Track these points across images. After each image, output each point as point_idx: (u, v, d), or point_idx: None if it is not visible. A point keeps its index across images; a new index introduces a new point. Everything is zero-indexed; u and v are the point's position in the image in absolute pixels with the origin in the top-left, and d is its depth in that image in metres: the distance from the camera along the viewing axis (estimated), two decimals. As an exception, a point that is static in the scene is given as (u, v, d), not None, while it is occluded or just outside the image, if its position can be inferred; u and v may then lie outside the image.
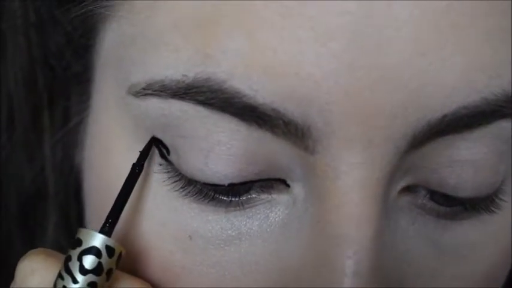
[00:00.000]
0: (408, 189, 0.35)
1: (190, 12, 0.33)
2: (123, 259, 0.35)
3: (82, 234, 0.34)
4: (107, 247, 0.34)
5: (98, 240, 0.34)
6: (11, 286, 0.36)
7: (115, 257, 0.34)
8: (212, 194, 0.35)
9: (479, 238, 0.37)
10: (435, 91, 0.32)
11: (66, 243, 0.47)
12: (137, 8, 0.35)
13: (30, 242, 0.47)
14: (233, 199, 0.35)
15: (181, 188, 0.36)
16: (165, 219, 0.36)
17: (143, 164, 0.36)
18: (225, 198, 0.35)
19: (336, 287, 0.33)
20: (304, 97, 0.32)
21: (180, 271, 0.36)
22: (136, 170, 0.35)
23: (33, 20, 0.43)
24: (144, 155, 0.36)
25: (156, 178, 0.36)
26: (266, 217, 0.35)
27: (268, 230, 0.35)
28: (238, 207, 0.35)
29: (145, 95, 0.34)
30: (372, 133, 0.32)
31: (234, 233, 0.35)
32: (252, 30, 0.31)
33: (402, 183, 0.35)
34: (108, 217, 0.35)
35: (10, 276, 0.40)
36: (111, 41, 0.37)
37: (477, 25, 0.32)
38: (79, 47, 0.40)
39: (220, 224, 0.35)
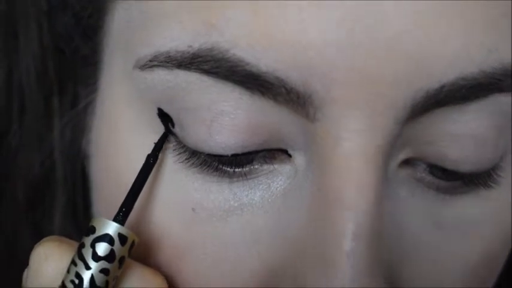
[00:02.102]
0: (407, 162, 0.36)
1: None
2: (135, 249, 0.35)
3: (96, 222, 0.35)
4: (120, 235, 0.34)
5: (111, 228, 0.34)
6: (24, 272, 0.37)
7: (127, 245, 0.35)
8: (216, 164, 0.36)
9: (478, 214, 0.38)
10: (434, 62, 0.32)
11: (73, 229, 0.47)
12: None
13: (38, 229, 0.48)
14: (236, 170, 0.36)
15: (186, 159, 0.36)
16: (169, 192, 0.37)
17: (158, 155, 0.36)
18: (228, 169, 0.36)
19: (336, 250, 0.34)
20: (307, 65, 0.32)
21: (185, 245, 0.37)
22: (151, 161, 0.36)
23: (44, 5, 0.43)
24: (158, 145, 0.36)
25: (162, 150, 0.37)
26: (268, 187, 0.36)
27: (270, 200, 0.36)
28: (241, 178, 0.36)
29: (152, 66, 0.35)
30: (371, 100, 0.33)
31: (236, 204, 0.36)
32: (255, 0, 0.32)
33: (402, 156, 0.35)
34: (121, 206, 0.35)
35: (18, 263, 0.41)
36: (120, 20, 0.38)
37: None
38: (88, 28, 0.41)
39: (223, 194, 0.36)
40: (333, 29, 0.32)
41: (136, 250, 0.36)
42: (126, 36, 0.37)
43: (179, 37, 0.34)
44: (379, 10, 0.32)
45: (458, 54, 0.32)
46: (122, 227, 0.34)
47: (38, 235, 0.47)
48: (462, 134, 0.35)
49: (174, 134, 0.36)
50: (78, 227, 0.47)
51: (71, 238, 0.46)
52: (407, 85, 0.33)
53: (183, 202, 0.37)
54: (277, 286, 0.36)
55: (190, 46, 0.34)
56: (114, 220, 0.35)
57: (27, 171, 0.48)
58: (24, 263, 0.37)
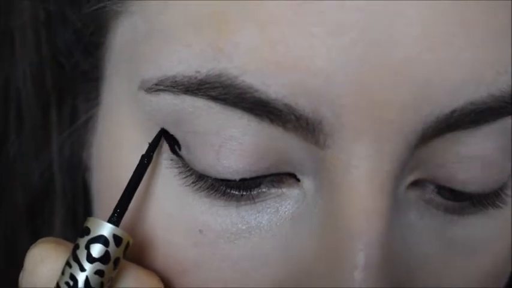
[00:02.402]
0: (416, 184, 0.36)
1: (202, 7, 0.33)
2: (130, 250, 0.35)
3: (90, 223, 0.34)
4: (115, 236, 0.34)
5: (106, 229, 0.34)
6: (20, 274, 0.36)
7: (122, 247, 0.34)
8: (223, 188, 0.35)
9: (486, 233, 0.37)
10: (443, 86, 0.32)
11: (74, 238, 0.47)
12: (150, 4, 0.35)
13: (38, 238, 0.47)
14: (244, 193, 0.35)
15: (193, 183, 0.36)
16: (176, 213, 0.36)
17: (152, 155, 0.36)
18: (236, 192, 0.35)
19: (346, 280, 0.33)
20: (316, 91, 0.32)
21: (190, 265, 0.36)
22: (145, 161, 0.36)
23: (43, 17, 0.43)
24: (153, 146, 0.36)
25: (167, 173, 0.36)
26: (276, 211, 0.36)
27: (278, 224, 0.36)
28: (248, 202, 0.35)
29: (157, 90, 0.35)
30: (381, 126, 0.32)
31: (244, 227, 0.36)
32: (263, 25, 0.32)
33: (410, 178, 0.35)
34: (116, 207, 0.35)
35: (17, 272, 0.40)
36: (123, 37, 0.37)
37: (485, 22, 0.32)
38: (89, 45, 0.40)
39: (230, 218, 0.36)
40: (342, 55, 0.32)
41: (136, 258, 0.36)
42: (130, 54, 0.37)
43: (186, 61, 0.33)
44: (388, 35, 0.31)
45: (467, 77, 0.32)
46: (116, 228, 0.34)
47: None
48: (471, 156, 0.35)
49: (180, 157, 0.36)
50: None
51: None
52: (416, 110, 0.32)
53: (190, 223, 0.36)
54: None
55: (198, 72, 0.33)
56: (109, 221, 0.35)
57: (26, 180, 0.48)
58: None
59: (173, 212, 0.36)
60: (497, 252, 0.38)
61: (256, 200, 0.36)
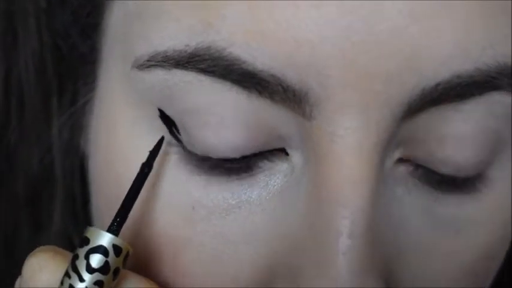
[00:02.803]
0: (403, 160, 0.36)
1: None
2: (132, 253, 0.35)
3: (90, 232, 0.34)
4: (114, 246, 0.34)
5: (105, 239, 0.34)
6: (17, 282, 0.36)
7: (122, 256, 0.34)
8: (214, 164, 0.36)
9: (473, 213, 0.37)
10: (429, 59, 0.32)
11: (73, 228, 0.47)
12: None
13: (37, 227, 0.48)
14: (234, 168, 0.36)
15: (184, 159, 0.36)
16: (169, 191, 0.37)
17: (152, 164, 0.36)
18: (227, 166, 0.36)
19: (332, 248, 0.34)
20: (302, 62, 0.32)
21: (183, 242, 0.37)
22: (146, 170, 0.35)
23: (43, 2, 0.43)
24: (153, 154, 0.36)
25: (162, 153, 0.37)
26: (265, 185, 0.36)
27: (268, 197, 0.36)
28: (239, 176, 0.36)
29: (149, 66, 0.35)
30: (367, 98, 0.33)
31: (234, 202, 0.36)
32: None
33: (397, 154, 0.35)
34: (116, 216, 0.35)
35: (17, 261, 0.40)
36: (117, 17, 0.37)
37: None
38: (86, 26, 0.40)
39: (222, 193, 0.36)
40: (329, 26, 0.32)
41: (135, 255, 0.36)
42: (124, 34, 0.37)
43: (176, 36, 0.34)
44: (375, 7, 0.32)
45: (453, 51, 0.32)
46: (116, 238, 0.34)
47: (38, 231, 0.48)
48: (457, 134, 0.35)
49: (176, 137, 0.36)
50: (77, 222, 0.47)
51: (69, 234, 0.46)
52: (402, 82, 0.32)
53: (183, 201, 0.36)
54: (275, 284, 0.36)
55: (188, 45, 0.33)
56: (109, 230, 0.34)
57: (26, 167, 0.48)
58: (23, 260, 0.37)
59: (166, 190, 0.37)
60: (486, 235, 0.38)
61: (246, 175, 0.36)
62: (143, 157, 0.36)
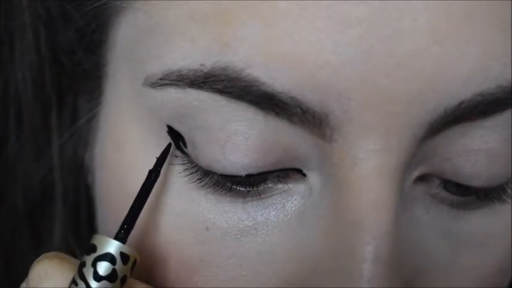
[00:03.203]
0: (422, 178, 0.36)
1: (206, 2, 0.33)
2: (139, 261, 0.34)
3: (97, 240, 0.34)
4: (122, 254, 0.33)
5: (112, 246, 0.33)
6: (22, 285, 0.36)
7: (129, 264, 0.34)
8: (229, 185, 0.35)
9: (491, 228, 0.37)
10: (451, 78, 0.32)
11: (75, 242, 0.47)
12: (154, 0, 0.35)
13: (38, 242, 0.47)
14: (250, 189, 0.35)
15: (198, 179, 0.36)
16: (182, 211, 0.36)
17: (159, 171, 0.35)
18: (242, 189, 0.35)
19: (355, 274, 0.33)
20: (322, 85, 0.32)
21: (198, 263, 0.36)
22: (153, 177, 0.35)
23: (43, 16, 0.42)
24: (161, 161, 0.35)
25: (172, 170, 0.36)
26: (282, 207, 0.35)
27: (285, 219, 0.35)
28: (255, 198, 0.35)
29: (162, 85, 0.34)
30: (389, 120, 0.32)
31: (250, 224, 0.36)
32: (269, 19, 0.32)
33: (416, 173, 0.35)
34: (123, 223, 0.35)
35: (17, 275, 0.40)
36: (126, 34, 0.37)
37: (490, 14, 0.32)
38: (91, 43, 0.40)
39: (237, 214, 0.36)
40: (349, 49, 0.31)
41: (142, 265, 0.35)
42: (133, 51, 0.37)
43: (191, 55, 0.33)
44: (396, 28, 0.31)
45: (475, 70, 0.32)
46: (123, 245, 0.34)
47: (38, 248, 0.47)
48: (477, 149, 0.35)
49: (185, 153, 0.36)
50: (80, 239, 0.47)
51: (71, 250, 0.46)
52: (424, 103, 0.32)
53: (196, 221, 0.36)
54: None
55: (203, 65, 0.33)
56: (116, 238, 0.34)
57: (26, 183, 0.47)
58: (23, 272, 0.37)
59: (179, 210, 0.36)
60: (504, 248, 0.38)
61: (262, 196, 0.35)
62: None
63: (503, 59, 0.33)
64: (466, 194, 0.36)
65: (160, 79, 0.34)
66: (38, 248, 0.47)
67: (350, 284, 0.33)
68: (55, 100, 0.45)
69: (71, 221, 0.47)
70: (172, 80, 0.34)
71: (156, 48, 0.35)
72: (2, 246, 0.48)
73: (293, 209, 0.35)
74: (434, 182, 0.36)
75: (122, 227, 0.34)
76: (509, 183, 0.37)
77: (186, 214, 0.36)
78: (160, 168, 0.35)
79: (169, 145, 0.36)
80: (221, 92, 0.33)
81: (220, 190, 0.35)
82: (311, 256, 0.35)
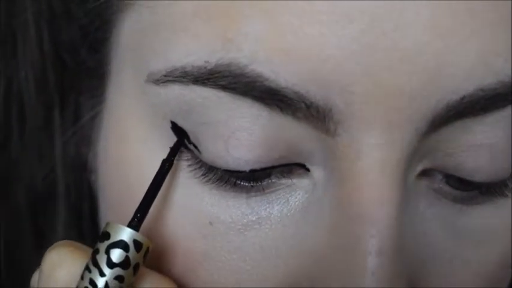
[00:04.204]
0: (425, 173, 0.36)
1: None
2: (152, 249, 0.35)
3: (110, 227, 0.34)
4: (135, 241, 0.34)
5: (126, 234, 0.34)
6: (34, 275, 0.36)
7: (142, 252, 0.34)
8: (233, 180, 0.35)
9: (494, 223, 0.38)
10: (453, 73, 0.32)
11: (77, 240, 0.47)
12: None
13: (40, 240, 0.47)
14: (254, 185, 0.35)
15: (202, 175, 0.36)
16: (186, 206, 0.36)
17: (173, 160, 0.36)
18: (246, 184, 0.35)
19: (360, 267, 0.33)
20: (326, 79, 0.32)
21: (201, 257, 0.36)
22: (166, 167, 0.35)
23: (45, 14, 0.43)
24: (174, 151, 0.36)
25: (176, 165, 0.36)
26: (286, 202, 0.36)
27: (289, 214, 0.36)
28: (258, 193, 0.35)
29: (166, 81, 0.35)
30: (392, 114, 0.33)
31: (254, 218, 0.36)
32: (272, 14, 0.32)
33: (420, 167, 0.35)
34: (136, 212, 0.35)
35: (19, 274, 0.40)
36: (130, 31, 0.37)
37: (492, 10, 0.32)
38: (95, 41, 0.40)
39: (240, 209, 0.36)
40: (352, 43, 0.32)
41: (152, 255, 0.35)
42: (137, 48, 0.37)
43: (195, 52, 0.33)
44: (398, 23, 0.32)
45: (477, 65, 0.33)
46: (137, 233, 0.34)
47: (40, 246, 0.47)
48: (480, 145, 0.35)
49: (189, 149, 0.36)
50: (83, 237, 0.47)
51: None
52: (426, 97, 0.33)
53: (199, 215, 0.36)
54: None
55: (207, 61, 0.33)
56: (129, 226, 0.34)
57: (28, 182, 0.47)
58: (26, 271, 0.37)
59: (183, 204, 0.36)
60: (506, 242, 0.39)
61: (266, 191, 0.36)
62: (155, 168, 0.36)
63: (504, 55, 0.33)
64: (469, 189, 0.36)
65: (164, 76, 0.34)
66: (40, 246, 0.47)
67: (354, 277, 0.34)
68: (58, 98, 0.45)
69: (74, 219, 0.47)
70: (176, 77, 0.34)
71: (160, 45, 0.35)
72: (5, 244, 0.48)
73: (297, 203, 0.36)
74: (437, 177, 0.36)
75: (135, 215, 0.35)
76: (511, 178, 0.37)
77: (190, 209, 0.36)
78: (174, 158, 0.36)
79: (179, 139, 0.36)
80: (225, 88, 0.33)
81: (224, 185, 0.36)
82: (315, 250, 0.35)
